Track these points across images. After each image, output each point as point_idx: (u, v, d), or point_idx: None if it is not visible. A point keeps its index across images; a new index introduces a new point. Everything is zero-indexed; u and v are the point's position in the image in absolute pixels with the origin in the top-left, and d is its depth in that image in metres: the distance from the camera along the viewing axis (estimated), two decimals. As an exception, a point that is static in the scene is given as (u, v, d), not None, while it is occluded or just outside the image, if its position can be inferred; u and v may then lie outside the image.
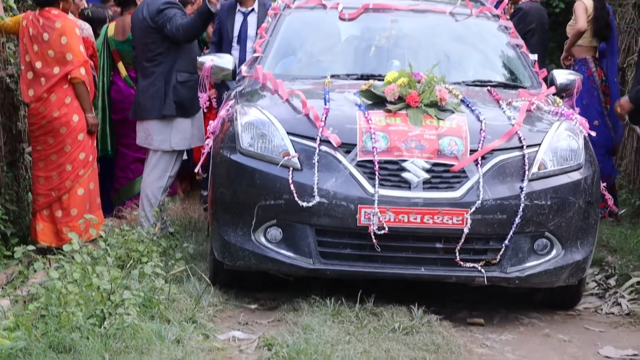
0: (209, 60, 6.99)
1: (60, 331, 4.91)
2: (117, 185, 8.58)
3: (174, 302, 5.66)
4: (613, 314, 6.34)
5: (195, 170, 6.70)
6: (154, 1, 7.59)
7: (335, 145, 5.72)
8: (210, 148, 6.34)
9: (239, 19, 8.69)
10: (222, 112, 6.35)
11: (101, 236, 6.12)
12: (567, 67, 8.98)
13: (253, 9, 8.68)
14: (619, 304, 6.46)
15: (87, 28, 8.25)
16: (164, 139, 7.57)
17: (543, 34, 9.26)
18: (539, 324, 6.03)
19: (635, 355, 5.57)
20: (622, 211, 8.96)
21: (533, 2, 9.30)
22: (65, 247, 5.77)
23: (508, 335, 5.78)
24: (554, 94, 6.63)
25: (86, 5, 8.75)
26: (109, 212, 8.09)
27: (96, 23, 8.68)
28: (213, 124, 6.41)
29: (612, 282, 6.82)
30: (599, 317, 6.28)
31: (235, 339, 5.42)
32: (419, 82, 6.04)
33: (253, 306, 6.04)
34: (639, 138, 9.33)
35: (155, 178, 7.60)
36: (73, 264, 5.63)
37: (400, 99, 5.96)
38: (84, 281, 5.34)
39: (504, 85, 6.73)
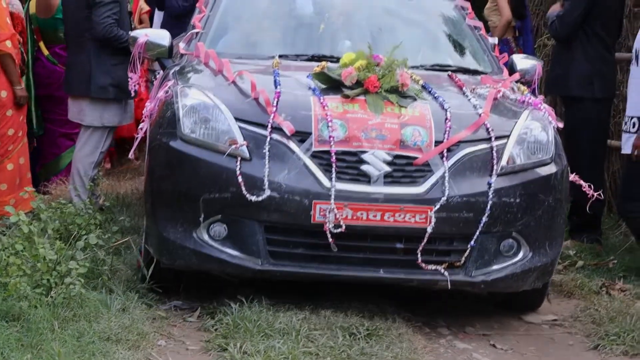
0: (143, 35, 6.38)
1: (8, 300, 4.93)
2: (44, 161, 8.29)
3: (116, 273, 5.73)
4: (532, 283, 6.55)
5: (130, 156, 6.13)
6: None
7: (289, 134, 5.17)
8: (145, 133, 5.77)
9: None
10: (160, 93, 5.71)
11: (41, 208, 5.96)
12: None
13: None
14: None
15: (16, 4, 7.81)
16: (95, 115, 7.23)
17: None
18: (466, 294, 5.95)
19: (555, 320, 5.83)
20: None
21: None
22: (12, 219, 5.67)
23: (437, 302, 5.82)
24: (516, 81, 6.17)
25: None
26: (34, 187, 7.62)
27: None
28: (149, 106, 5.81)
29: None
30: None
31: (177, 309, 5.47)
32: (377, 65, 5.52)
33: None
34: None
35: (86, 153, 7.30)
36: (9, 236, 5.59)
37: (358, 83, 5.45)
38: (28, 252, 5.30)
39: (464, 71, 6.24)
